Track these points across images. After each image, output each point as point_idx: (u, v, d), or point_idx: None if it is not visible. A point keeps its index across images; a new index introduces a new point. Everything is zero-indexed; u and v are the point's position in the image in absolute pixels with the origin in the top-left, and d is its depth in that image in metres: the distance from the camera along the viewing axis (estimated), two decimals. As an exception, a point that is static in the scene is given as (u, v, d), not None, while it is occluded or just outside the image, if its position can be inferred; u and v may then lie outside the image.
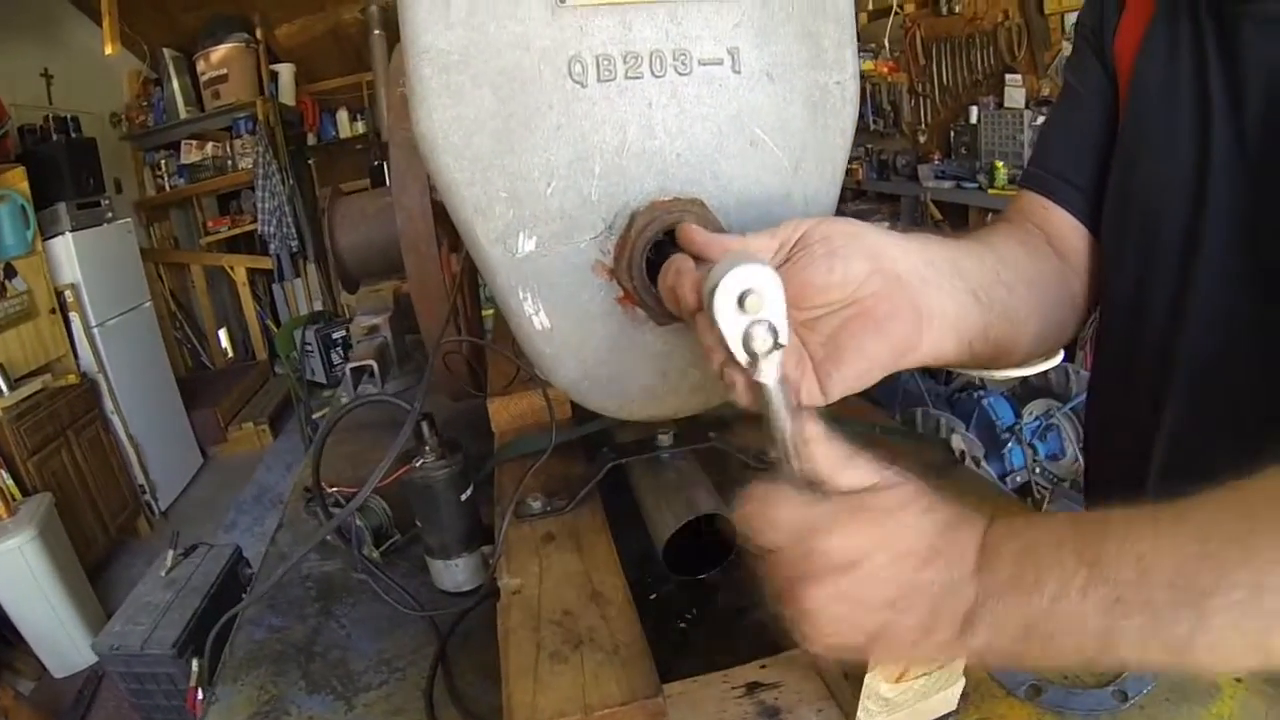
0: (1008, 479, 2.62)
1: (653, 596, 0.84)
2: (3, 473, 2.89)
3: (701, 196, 0.59)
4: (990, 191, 4.34)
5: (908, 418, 2.37)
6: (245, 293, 5.54)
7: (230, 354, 5.79)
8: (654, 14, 0.56)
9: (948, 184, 4.74)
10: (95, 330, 3.76)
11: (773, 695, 0.65)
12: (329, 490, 0.93)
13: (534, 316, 0.60)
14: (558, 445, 0.82)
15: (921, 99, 5.24)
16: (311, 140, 6.09)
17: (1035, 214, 0.77)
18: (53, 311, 3.46)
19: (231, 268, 5.51)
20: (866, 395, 0.60)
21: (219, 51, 5.13)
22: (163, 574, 1.57)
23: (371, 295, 1.87)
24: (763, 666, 0.69)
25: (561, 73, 0.55)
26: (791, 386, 0.49)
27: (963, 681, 0.64)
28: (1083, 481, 1.49)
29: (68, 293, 3.61)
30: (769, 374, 0.45)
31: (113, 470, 3.70)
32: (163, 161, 5.27)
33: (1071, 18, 4.08)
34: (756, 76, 0.59)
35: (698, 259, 0.51)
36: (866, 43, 5.05)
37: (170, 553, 1.62)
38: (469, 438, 0.89)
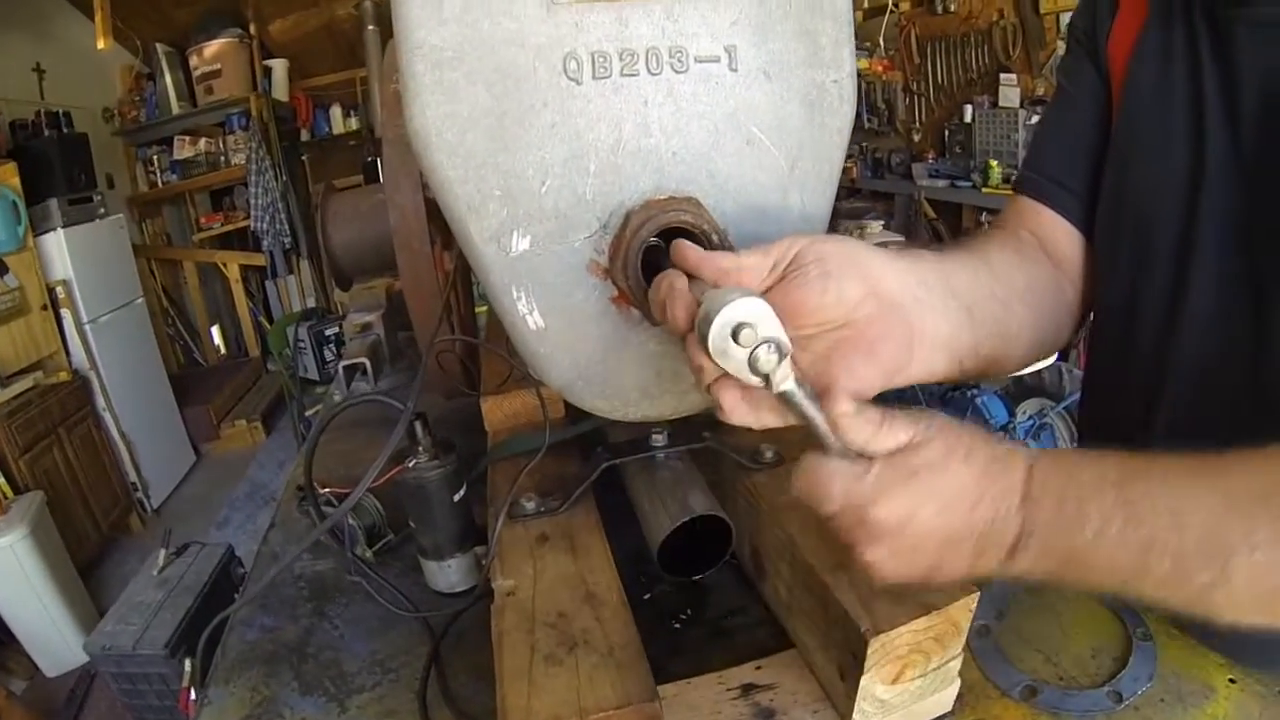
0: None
1: (647, 597, 0.83)
2: (-6, 471, 2.88)
3: (697, 195, 0.58)
4: (984, 190, 4.35)
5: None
6: (238, 289, 5.52)
7: (223, 351, 5.77)
8: (650, 11, 0.55)
9: (942, 183, 4.75)
10: (87, 327, 3.73)
11: (768, 697, 0.65)
12: (322, 490, 0.93)
13: (528, 316, 0.60)
14: (551, 444, 0.82)
15: (916, 97, 5.25)
16: (305, 136, 6.07)
17: (1030, 220, 0.77)
18: (44, 308, 3.44)
19: (224, 264, 5.48)
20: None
21: (212, 47, 5.10)
22: (154, 573, 1.56)
23: (365, 292, 1.86)
24: (758, 668, 0.69)
25: (556, 70, 0.54)
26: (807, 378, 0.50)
27: (958, 683, 0.64)
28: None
29: (59, 289, 3.59)
30: (785, 382, 0.46)
31: (104, 468, 3.68)
32: (155, 157, 5.24)
33: (1066, 17, 4.07)
34: (753, 74, 0.58)
35: (690, 276, 0.50)
36: (861, 41, 5.06)
37: (162, 552, 1.60)
38: (462, 436, 0.88)
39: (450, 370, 1.05)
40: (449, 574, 0.86)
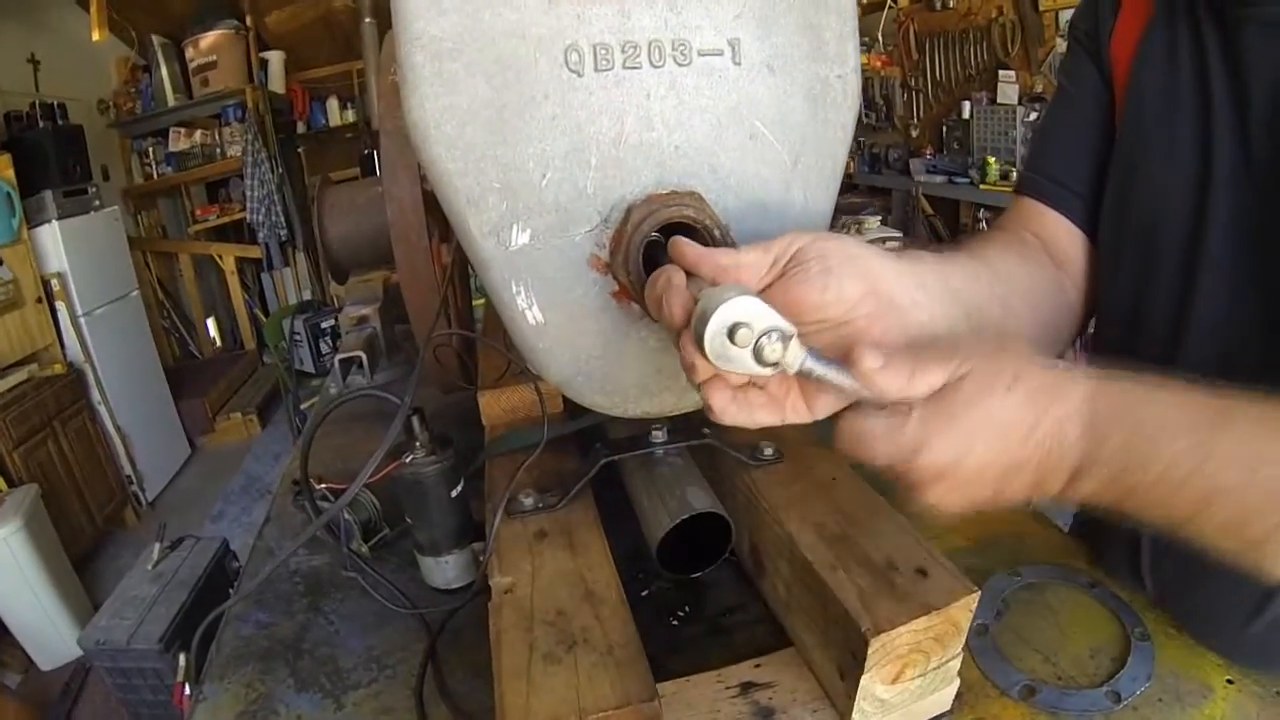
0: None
1: (645, 593, 0.83)
2: (-12, 464, 2.87)
3: (699, 190, 0.58)
4: (982, 187, 4.35)
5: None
6: (234, 281, 5.50)
7: (218, 343, 5.75)
8: (653, 3, 0.55)
9: (939, 179, 4.75)
10: (82, 319, 3.71)
11: (767, 695, 0.65)
12: (318, 486, 0.92)
13: (527, 311, 0.59)
14: (550, 440, 0.81)
15: (914, 93, 5.24)
16: (301, 128, 6.04)
17: (1032, 221, 0.76)
18: (39, 301, 3.42)
19: (220, 256, 5.46)
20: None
21: (208, 38, 5.07)
22: (149, 567, 1.55)
23: (361, 285, 1.85)
24: (756, 666, 0.68)
25: (558, 62, 0.53)
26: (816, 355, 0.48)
27: (957, 682, 0.64)
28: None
29: (54, 281, 3.56)
30: (798, 362, 0.44)
31: (99, 461, 3.67)
32: (151, 149, 5.21)
33: (1066, 14, 4.08)
34: (757, 68, 0.58)
35: (689, 273, 0.50)
36: (860, 36, 5.03)
37: (156, 546, 1.59)
38: (458, 430, 0.88)
39: (447, 364, 1.05)
40: (446, 570, 0.85)
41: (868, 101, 5.40)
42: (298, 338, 3.98)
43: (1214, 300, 0.63)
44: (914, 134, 5.32)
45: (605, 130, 0.55)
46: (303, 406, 3.36)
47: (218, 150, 5.31)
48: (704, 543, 0.78)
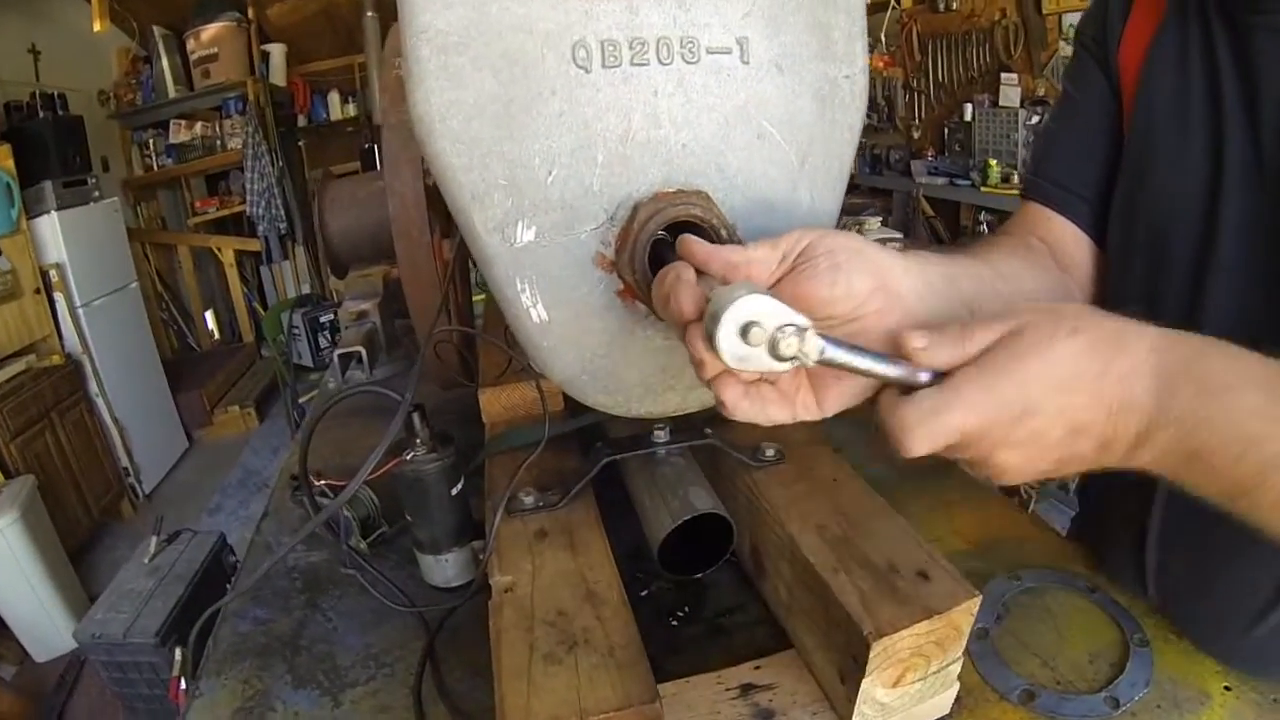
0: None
1: (644, 593, 0.83)
2: (-15, 454, 2.86)
3: (706, 189, 0.57)
4: (983, 189, 4.34)
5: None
6: (233, 274, 5.49)
7: (217, 336, 5.74)
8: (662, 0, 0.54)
9: (940, 180, 4.74)
10: (80, 311, 3.70)
11: (767, 697, 0.65)
12: (317, 483, 0.92)
13: (531, 309, 0.59)
14: (550, 438, 0.81)
15: (916, 94, 5.24)
16: (302, 122, 6.03)
17: (1038, 225, 0.76)
18: (37, 291, 3.41)
19: (219, 249, 5.44)
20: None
21: (210, 30, 5.05)
22: (145, 561, 1.55)
23: (361, 280, 1.84)
24: (756, 668, 0.68)
25: (565, 57, 0.53)
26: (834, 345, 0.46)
27: (957, 686, 0.64)
28: (1074, 484, 1.49)
29: (53, 272, 3.55)
30: (817, 352, 0.43)
31: (96, 452, 3.66)
32: (151, 141, 5.20)
33: (1069, 18, 4.08)
34: (765, 67, 0.57)
35: (698, 270, 0.49)
36: (864, 36, 5.03)
37: (153, 539, 1.59)
38: (458, 428, 0.87)
39: (447, 360, 1.04)
40: (445, 568, 0.85)
41: (870, 102, 5.37)
42: (296, 331, 3.96)
43: (1224, 304, 0.63)
44: (916, 135, 5.31)
45: (612, 127, 0.55)
46: (301, 400, 3.35)
47: (218, 143, 5.30)
48: (705, 544, 0.78)
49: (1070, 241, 0.75)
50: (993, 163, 4.31)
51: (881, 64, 5.26)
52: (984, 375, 0.42)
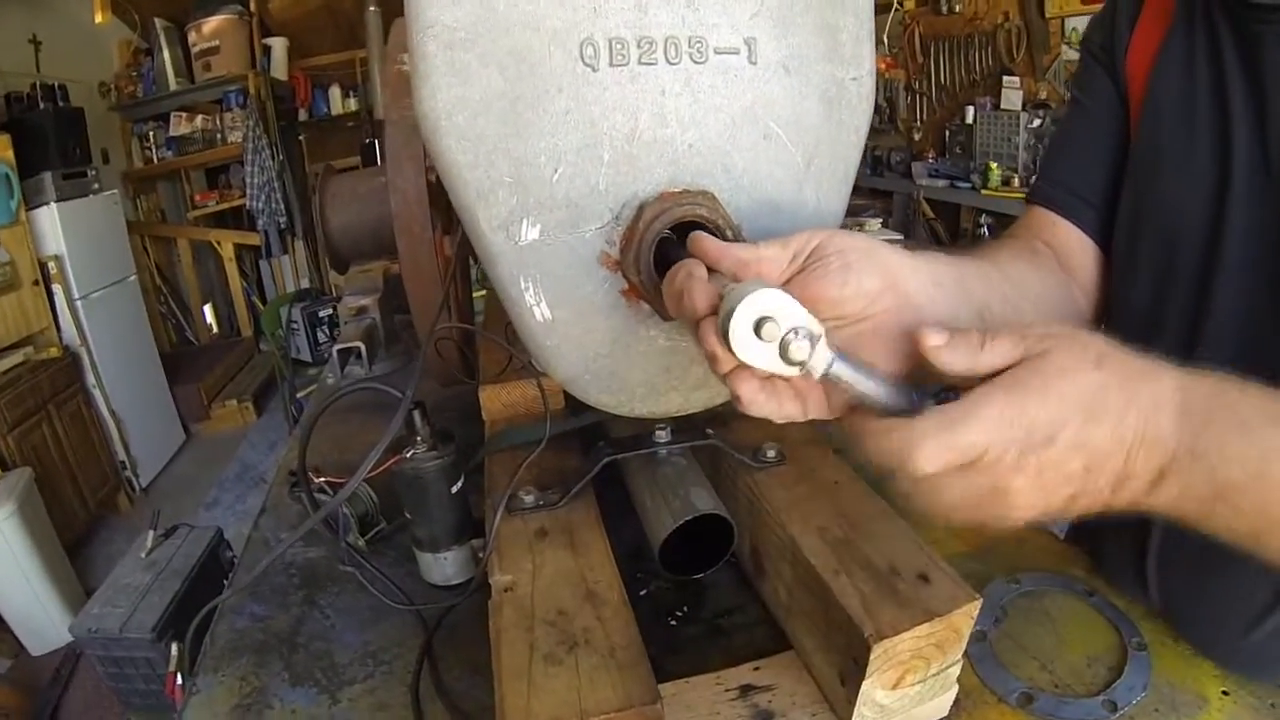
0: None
1: (643, 593, 0.83)
2: (-19, 446, 2.85)
3: (712, 189, 0.57)
4: (983, 192, 4.35)
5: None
6: (232, 268, 5.48)
7: (215, 330, 5.73)
8: (670, -1, 0.54)
9: (941, 183, 4.75)
10: (79, 303, 3.69)
11: (766, 698, 0.65)
12: (316, 480, 0.91)
13: (535, 307, 0.59)
14: (551, 436, 0.80)
15: (918, 96, 5.24)
16: (303, 116, 6.02)
17: (1044, 229, 0.77)
18: (36, 283, 3.40)
19: (218, 243, 5.44)
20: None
21: (211, 23, 5.04)
22: (142, 555, 1.55)
23: (361, 275, 1.84)
24: (756, 669, 0.68)
25: (573, 55, 0.53)
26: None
27: (956, 689, 0.64)
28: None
29: (51, 264, 3.54)
30: (824, 365, 0.43)
31: (93, 445, 3.65)
32: (151, 133, 5.19)
33: (1072, 22, 4.08)
34: (773, 68, 0.57)
35: (709, 269, 0.49)
36: (867, 36, 5.03)
37: (150, 534, 1.59)
38: (457, 425, 0.87)
39: (448, 357, 1.04)
40: (445, 566, 0.85)
41: (871, 103, 5.39)
42: (295, 326, 3.96)
43: (1230, 308, 0.63)
44: (917, 137, 5.32)
45: (619, 126, 0.55)
46: (299, 395, 3.35)
47: (218, 136, 5.29)
48: (705, 544, 0.78)
49: (1076, 246, 0.75)
50: (994, 165, 4.32)
51: (883, 66, 5.26)
52: (1010, 393, 0.40)
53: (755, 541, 0.77)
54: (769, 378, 0.47)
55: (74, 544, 3.22)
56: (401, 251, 0.91)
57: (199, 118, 5.24)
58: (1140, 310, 0.71)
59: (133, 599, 1.43)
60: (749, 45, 0.56)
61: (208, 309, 5.66)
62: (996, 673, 0.69)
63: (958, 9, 4.76)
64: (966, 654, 0.63)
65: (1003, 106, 4.49)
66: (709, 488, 0.77)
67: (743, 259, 0.47)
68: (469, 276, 1.41)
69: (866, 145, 0.64)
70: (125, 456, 3.91)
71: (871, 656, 0.56)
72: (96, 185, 3.95)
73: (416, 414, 0.79)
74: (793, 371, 0.43)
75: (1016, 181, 4.20)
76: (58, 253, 3.60)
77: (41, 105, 3.75)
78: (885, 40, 5.19)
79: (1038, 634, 0.74)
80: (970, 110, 4.72)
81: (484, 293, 1.64)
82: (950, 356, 0.43)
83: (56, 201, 3.58)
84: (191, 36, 5.09)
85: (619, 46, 0.53)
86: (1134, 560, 0.77)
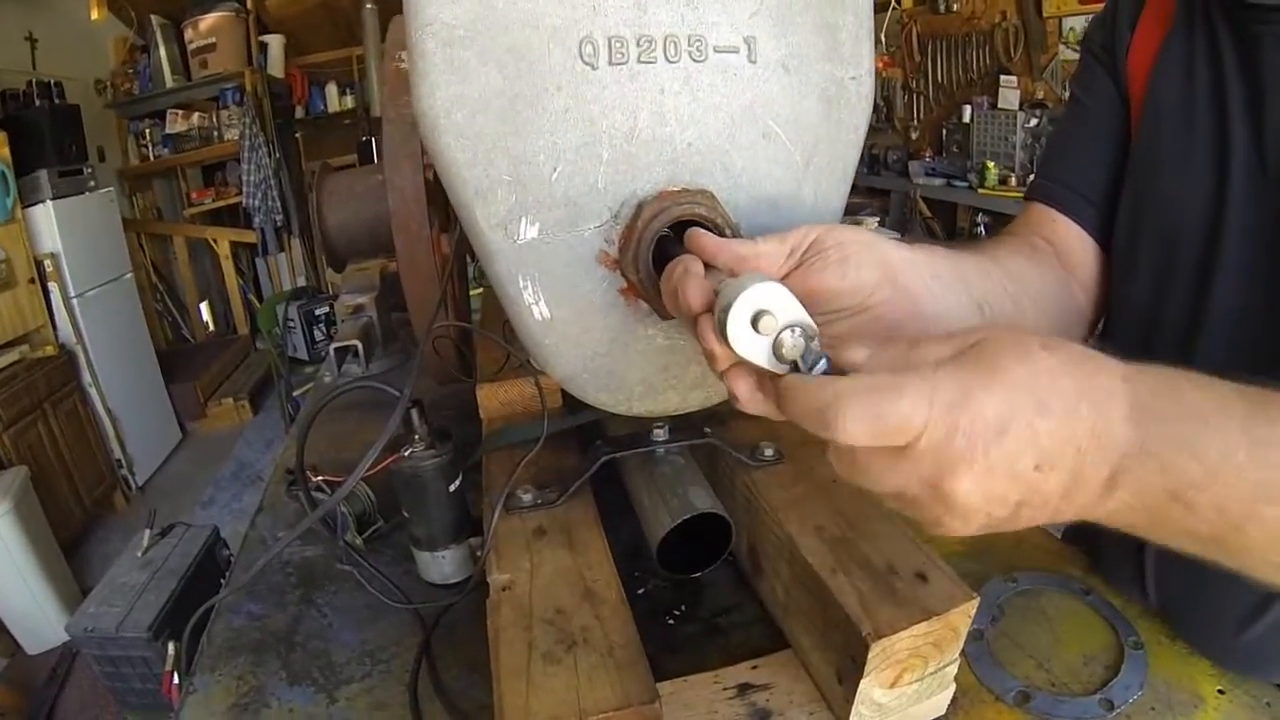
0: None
1: (641, 591, 0.83)
2: (-23, 445, 2.84)
3: (711, 188, 0.57)
4: (980, 191, 4.36)
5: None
6: (228, 266, 5.46)
7: (211, 328, 5.72)
8: (670, -4, 0.54)
9: (938, 181, 4.75)
10: (74, 301, 3.68)
11: (764, 697, 0.65)
12: (313, 479, 0.91)
13: (533, 306, 0.59)
14: (548, 435, 0.80)
15: (915, 95, 5.24)
16: (299, 113, 5.99)
17: (1043, 227, 0.77)
18: (31, 281, 3.39)
19: (215, 240, 5.42)
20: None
21: (208, 20, 5.03)
22: (139, 554, 1.55)
23: (357, 273, 1.84)
24: (753, 667, 0.68)
25: (572, 53, 0.53)
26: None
27: (953, 687, 0.64)
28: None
29: (47, 262, 3.53)
30: (817, 366, 0.42)
31: (90, 444, 3.64)
32: (147, 130, 5.17)
33: (1069, 21, 4.09)
34: (772, 67, 0.57)
35: (706, 265, 0.49)
36: (865, 35, 5.04)
37: (146, 533, 1.59)
38: (454, 423, 0.87)
39: (445, 355, 1.04)
40: (442, 565, 0.85)
41: (869, 102, 5.39)
42: (291, 324, 3.96)
43: (1228, 306, 0.63)
44: (914, 136, 5.32)
45: (618, 125, 0.54)
46: (296, 393, 3.34)
47: (215, 133, 5.27)
48: (703, 543, 0.78)
49: (1075, 243, 0.75)
50: (990, 164, 4.33)
51: (881, 64, 5.26)
52: (956, 371, 0.36)
53: (753, 540, 0.77)
54: (763, 376, 0.47)
55: (70, 543, 3.21)
56: (399, 249, 0.91)
57: (195, 115, 5.23)
58: (1140, 307, 0.71)
59: (129, 598, 1.43)
60: (748, 44, 0.56)
61: (204, 307, 5.64)
62: (993, 671, 0.70)
63: (955, 8, 4.76)
64: (964, 653, 0.63)
65: (1000, 106, 4.50)
66: (707, 486, 0.77)
67: (740, 254, 0.48)
68: (466, 274, 1.40)
69: (864, 144, 0.64)
70: (121, 455, 3.90)
71: (869, 655, 0.56)
72: (92, 183, 3.93)
73: (414, 412, 0.79)
74: (783, 369, 0.42)
75: (1013, 180, 4.20)
76: (53, 250, 3.58)
77: (37, 102, 3.73)
78: (883, 39, 5.19)
79: (1035, 633, 0.74)
80: (967, 109, 4.73)
81: (481, 291, 1.64)
82: (877, 361, 0.40)
83: (52, 199, 3.56)
84: (188, 33, 5.08)
85: (618, 45, 0.53)
86: (1131, 559, 0.77)
